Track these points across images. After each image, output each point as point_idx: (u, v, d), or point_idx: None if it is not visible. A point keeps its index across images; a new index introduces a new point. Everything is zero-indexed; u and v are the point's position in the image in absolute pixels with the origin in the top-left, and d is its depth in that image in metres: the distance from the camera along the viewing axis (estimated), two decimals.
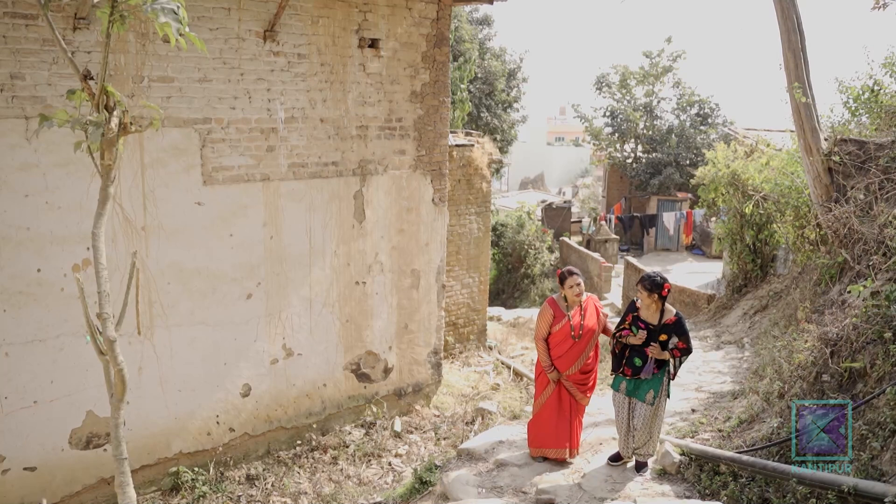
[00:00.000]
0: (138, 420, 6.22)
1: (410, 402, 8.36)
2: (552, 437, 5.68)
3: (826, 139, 6.97)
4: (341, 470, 6.97)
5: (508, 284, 22.22)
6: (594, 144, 31.00)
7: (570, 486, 5.26)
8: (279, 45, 6.63)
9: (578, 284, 5.44)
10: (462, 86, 19.87)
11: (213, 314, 6.60)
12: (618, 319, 5.41)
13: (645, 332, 5.11)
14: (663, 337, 5.06)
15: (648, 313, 5.11)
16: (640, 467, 5.32)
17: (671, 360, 5.16)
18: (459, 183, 10.53)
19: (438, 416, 8.33)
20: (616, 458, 5.45)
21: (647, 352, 5.08)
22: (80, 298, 2.64)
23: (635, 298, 5.24)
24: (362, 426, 7.77)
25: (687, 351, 5.13)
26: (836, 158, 6.80)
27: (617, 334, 5.29)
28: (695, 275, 18.90)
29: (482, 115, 24.34)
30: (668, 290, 5.06)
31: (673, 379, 5.22)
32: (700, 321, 12.00)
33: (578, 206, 36.11)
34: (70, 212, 5.67)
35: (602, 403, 7.59)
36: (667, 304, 5.11)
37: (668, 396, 5.25)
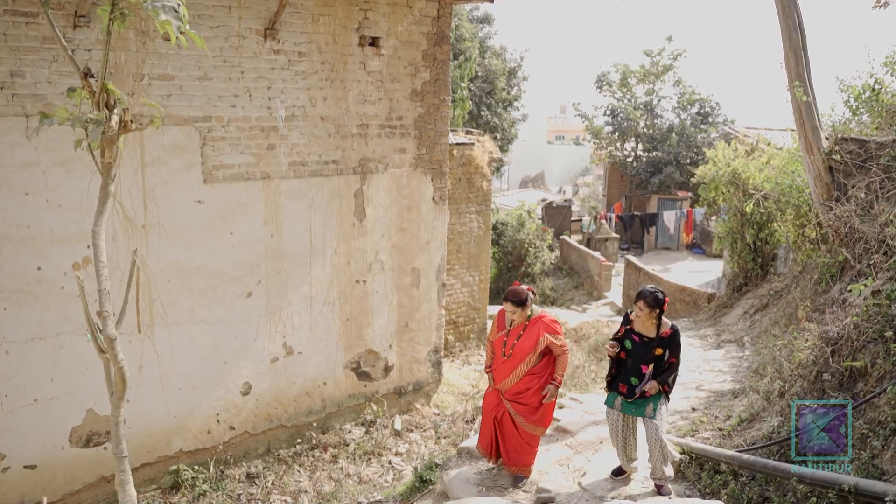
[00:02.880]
0: (139, 418, 6.22)
1: (411, 401, 8.36)
2: (481, 437, 5.56)
3: (827, 138, 6.97)
4: (341, 468, 6.97)
5: (509, 283, 22.18)
6: (594, 143, 31.00)
7: (570, 485, 5.27)
8: (279, 44, 6.62)
9: (512, 312, 5.11)
10: (462, 84, 19.85)
11: (214, 312, 6.60)
12: (617, 318, 5.38)
13: (617, 345, 5.02)
14: (659, 350, 4.92)
15: (645, 327, 4.96)
16: (662, 490, 4.99)
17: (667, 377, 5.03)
18: (460, 181, 10.52)
19: (439, 415, 8.33)
20: (618, 473, 5.29)
21: (642, 369, 4.92)
22: (81, 297, 2.63)
23: (629, 311, 5.07)
24: (362, 424, 7.77)
25: (676, 366, 5.00)
26: (837, 157, 6.80)
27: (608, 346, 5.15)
28: (695, 273, 18.91)
29: (482, 113, 24.33)
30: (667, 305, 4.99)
31: (669, 393, 5.05)
32: (700, 320, 12.00)
33: (579, 205, 36.09)
34: (70, 210, 5.67)
35: (602, 402, 7.58)
36: (663, 317, 4.98)
37: (668, 400, 5.11)
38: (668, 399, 5.12)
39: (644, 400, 4.95)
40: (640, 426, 5.13)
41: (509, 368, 5.19)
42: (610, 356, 5.07)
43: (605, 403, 5.20)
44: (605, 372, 5.35)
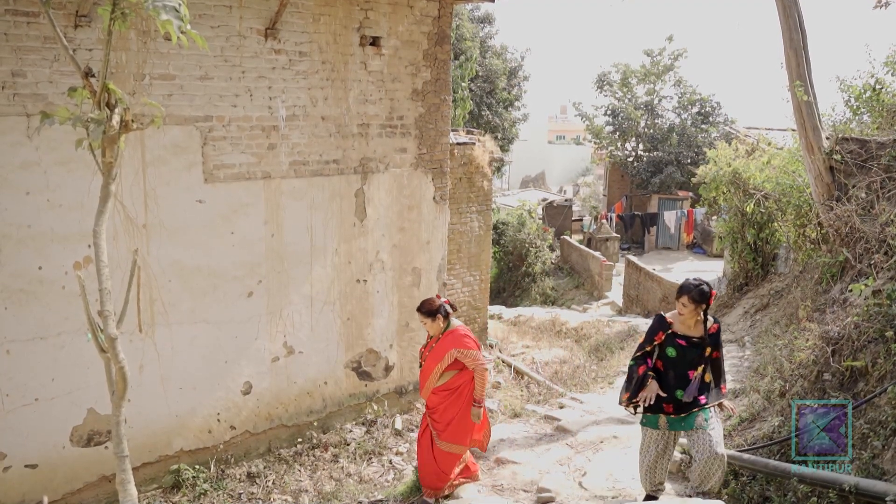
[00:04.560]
0: (139, 418, 6.22)
1: (411, 401, 8.36)
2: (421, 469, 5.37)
3: (827, 138, 6.96)
4: (342, 468, 6.97)
5: (509, 283, 22.22)
6: (595, 143, 30.96)
7: (570, 485, 5.26)
8: (280, 43, 6.62)
9: (423, 322, 5.07)
10: (463, 84, 19.86)
11: (214, 312, 6.60)
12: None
13: (654, 380, 4.30)
14: (708, 351, 4.33)
15: (687, 326, 4.32)
16: None
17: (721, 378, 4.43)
18: (460, 181, 10.52)
19: None
20: (650, 499, 4.60)
21: (689, 375, 4.30)
22: (82, 296, 2.64)
23: (662, 313, 4.46)
24: (363, 424, 7.77)
25: (722, 360, 4.47)
26: (838, 157, 6.80)
27: (634, 364, 4.44)
28: (696, 273, 18.87)
29: (483, 113, 24.33)
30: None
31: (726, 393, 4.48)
32: None
33: (579, 205, 36.07)
34: (71, 210, 5.67)
35: (602, 401, 7.59)
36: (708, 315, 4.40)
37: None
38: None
39: (695, 407, 4.31)
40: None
41: (422, 380, 5.13)
42: (648, 395, 4.28)
43: (646, 425, 4.46)
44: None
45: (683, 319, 4.30)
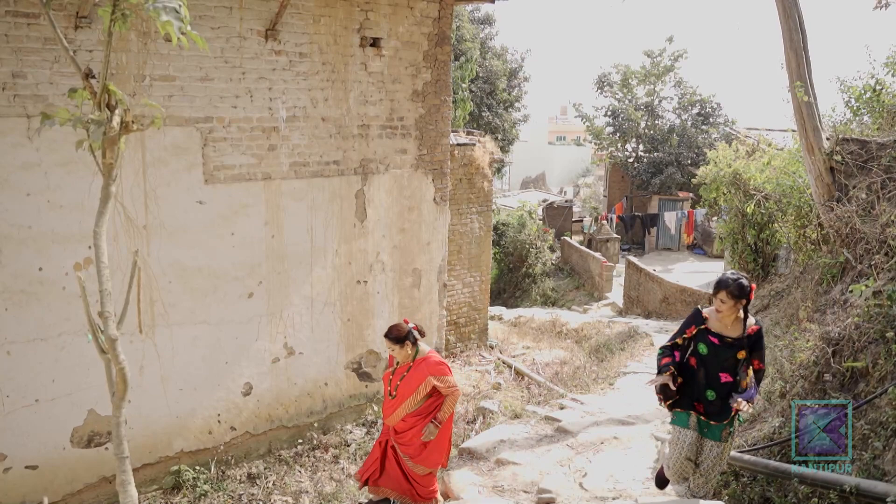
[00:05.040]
0: (140, 419, 6.22)
1: None
2: (364, 463, 5.28)
3: (828, 138, 6.96)
4: (342, 469, 6.97)
5: (510, 284, 22.24)
6: (595, 144, 30.99)
7: (571, 486, 5.26)
8: (281, 44, 6.62)
9: (391, 349, 4.85)
10: (463, 85, 19.86)
11: (215, 313, 6.60)
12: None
13: (670, 375, 4.12)
14: (742, 354, 4.07)
15: (724, 324, 4.07)
16: None
17: (751, 384, 4.18)
18: (461, 182, 10.52)
19: None
20: (664, 483, 4.61)
21: (721, 378, 4.09)
22: (82, 297, 2.63)
23: (699, 307, 4.26)
24: (363, 425, 7.77)
25: (763, 372, 4.20)
26: (838, 158, 6.79)
27: (660, 354, 4.29)
28: (696, 274, 18.89)
29: (483, 114, 24.34)
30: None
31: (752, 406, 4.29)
32: None
33: (580, 206, 36.07)
34: (71, 211, 5.67)
35: (603, 402, 7.59)
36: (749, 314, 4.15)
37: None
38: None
39: (726, 419, 4.14)
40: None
41: (392, 408, 4.93)
42: (662, 381, 4.14)
43: (676, 423, 4.31)
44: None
45: (721, 317, 4.06)
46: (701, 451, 4.25)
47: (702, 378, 4.13)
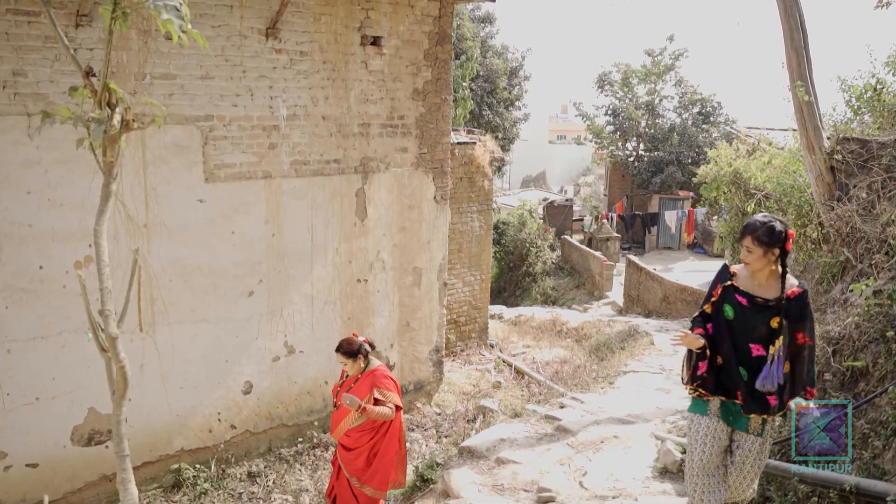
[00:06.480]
0: (140, 417, 6.22)
1: (412, 400, 8.36)
2: (329, 485, 5.24)
3: (828, 138, 6.95)
4: None
5: (510, 283, 22.24)
6: (596, 143, 30.98)
7: (571, 485, 5.26)
8: (281, 43, 6.62)
9: (343, 363, 4.86)
10: (464, 84, 19.85)
11: (215, 311, 6.60)
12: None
13: (701, 337, 3.31)
14: (776, 321, 3.20)
15: (756, 282, 3.24)
16: None
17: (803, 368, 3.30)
18: (461, 181, 10.52)
19: (440, 414, 8.33)
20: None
21: (752, 351, 3.21)
22: (82, 295, 2.63)
23: (727, 262, 3.57)
24: None
25: (813, 348, 3.29)
26: (839, 157, 6.78)
27: (690, 328, 3.47)
28: (696, 273, 18.90)
29: (484, 113, 24.33)
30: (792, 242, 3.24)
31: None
32: None
33: (580, 205, 36.09)
34: (72, 209, 5.67)
35: (603, 401, 7.59)
36: (788, 271, 3.28)
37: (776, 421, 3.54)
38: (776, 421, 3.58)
39: (764, 411, 3.30)
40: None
41: (337, 420, 4.93)
42: (691, 346, 3.33)
43: (693, 411, 3.51)
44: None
45: (751, 272, 3.26)
46: (732, 447, 3.47)
47: (728, 350, 3.26)
